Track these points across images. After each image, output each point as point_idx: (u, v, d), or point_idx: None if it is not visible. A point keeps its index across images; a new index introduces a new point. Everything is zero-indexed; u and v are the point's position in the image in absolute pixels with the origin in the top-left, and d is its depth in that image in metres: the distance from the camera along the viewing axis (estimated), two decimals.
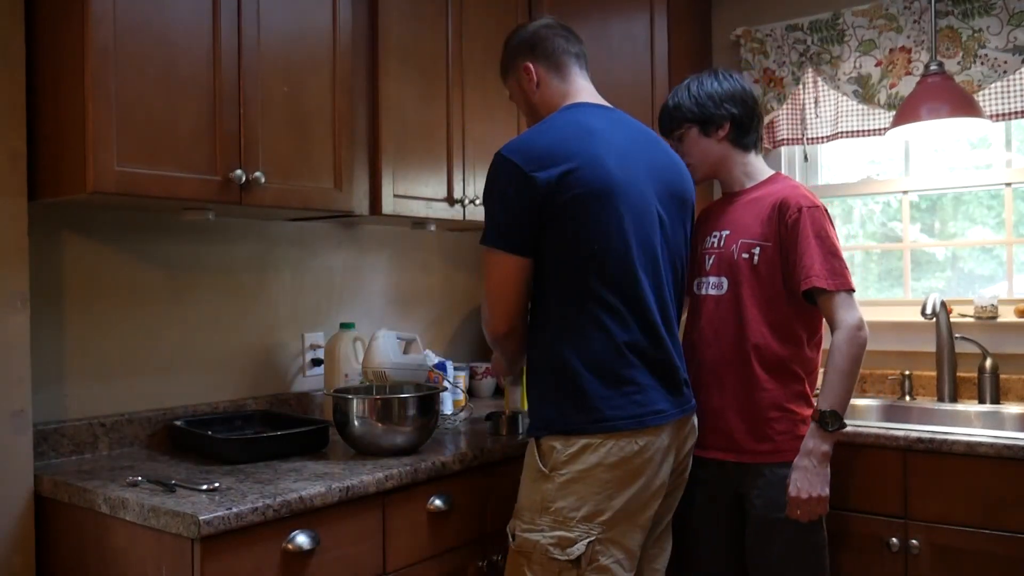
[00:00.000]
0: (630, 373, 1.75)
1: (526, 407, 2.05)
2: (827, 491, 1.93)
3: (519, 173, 1.72)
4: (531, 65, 1.93)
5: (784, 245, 2.00)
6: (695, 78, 2.17)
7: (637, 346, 1.76)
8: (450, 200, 2.45)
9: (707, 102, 2.12)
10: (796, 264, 1.98)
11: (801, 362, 2.02)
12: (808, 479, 1.92)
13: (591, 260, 1.73)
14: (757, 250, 2.02)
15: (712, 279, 2.08)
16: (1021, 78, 2.59)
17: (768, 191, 2.09)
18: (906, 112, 2.54)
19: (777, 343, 2.00)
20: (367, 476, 1.76)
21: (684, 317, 2.14)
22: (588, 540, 1.70)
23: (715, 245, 2.11)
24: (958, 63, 2.65)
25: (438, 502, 1.91)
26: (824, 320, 2.03)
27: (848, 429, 2.27)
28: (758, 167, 2.17)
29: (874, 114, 2.84)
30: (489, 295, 1.81)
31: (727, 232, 2.09)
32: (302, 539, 1.62)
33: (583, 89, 1.94)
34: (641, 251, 1.77)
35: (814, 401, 2.03)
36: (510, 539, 1.79)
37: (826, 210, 2.04)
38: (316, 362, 2.48)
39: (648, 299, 1.78)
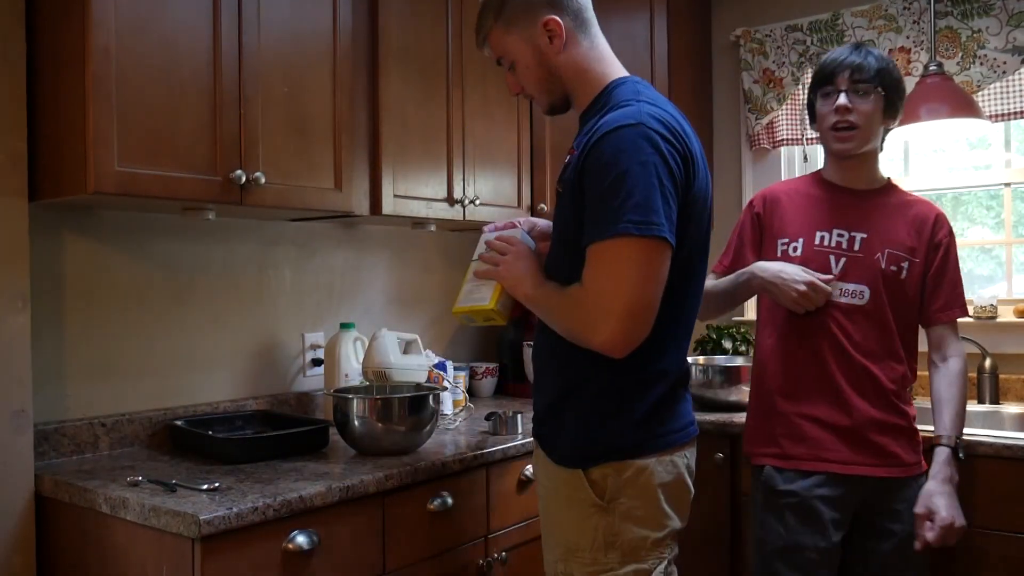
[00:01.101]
0: (670, 384, 1.59)
1: (485, 303, 1.71)
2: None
3: (677, 144, 1.48)
4: (558, 20, 1.59)
5: (928, 265, 1.96)
6: (863, 47, 1.98)
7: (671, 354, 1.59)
8: (450, 200, 2.45)
9: (898, 78, 1.99)
10: (942, 289, 1.96)
11: (908, 380, 1.98)
12: (955, 506, 1.86)
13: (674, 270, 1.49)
14: (906, 264, 1.94)
15: (846, 285, 1.94)
16: (1020, 78, 2.60)
17: (908, 200, 2.01)
18: (905, 112, 2.54)
19: (904, 360, 1.96)
20: (367, 476, 1.76)
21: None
22: (663, 564, 1.55)
23: (843, 246, 1.96)
24: (957, 63, 2.66)
25: (438, 502, 1.91)
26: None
27: None
28: (879, 168, 2.06)
29: None
30: (631, 302, 1.43)
31: (863, 236, 1.96)
32: (302, 539, 1.62)
33: (615, 60, 1.67)
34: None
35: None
36: None
37: None
38: (316, 362, 2.48)
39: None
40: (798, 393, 1.96)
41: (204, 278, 2.24)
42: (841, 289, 1.93)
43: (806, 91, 3.00)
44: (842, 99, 1.93)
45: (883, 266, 1.93)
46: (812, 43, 2.93)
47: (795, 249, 1.99)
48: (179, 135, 1.78)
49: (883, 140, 2.03)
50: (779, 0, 3.05)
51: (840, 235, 1.96)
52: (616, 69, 1.65)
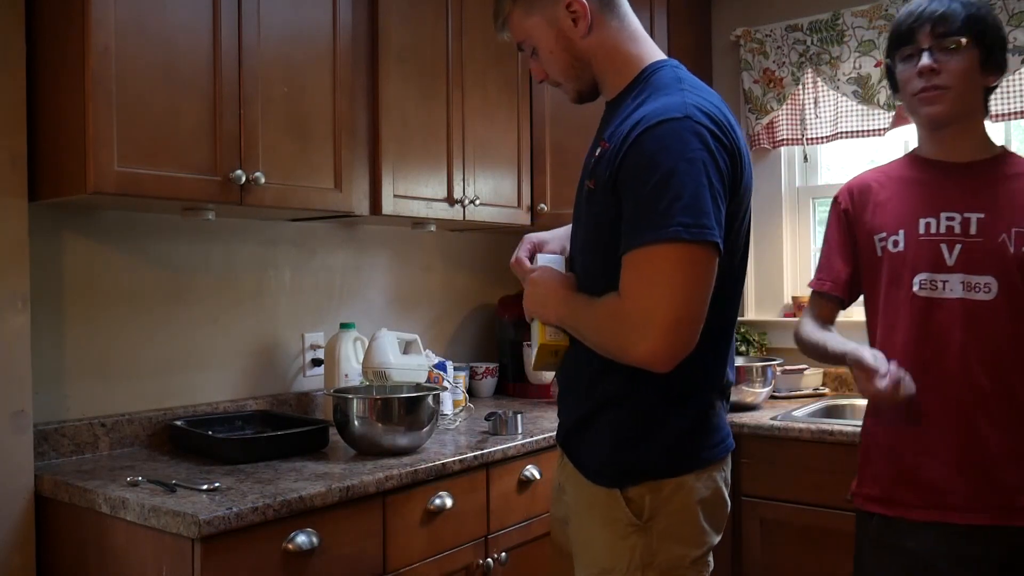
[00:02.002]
0: (710, 396, 1.46)
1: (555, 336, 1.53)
2: None
3: (724, 138, 1.36)
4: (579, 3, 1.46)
5: None
6: None
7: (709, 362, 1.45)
8: (450, 200, 2.45)
9: (994, 24, 1.65)
10: None
11: None
12: None
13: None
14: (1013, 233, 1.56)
15: (968, 278, 1.58)
16: (1021, 78, 2.59)
17: None
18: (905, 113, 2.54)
19: None
20: (367, 476, 1.76)
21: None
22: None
23: (956, 231, 1.61)
24: None
25: (438, 502, 1.91)
26: None
27: (847, 429, 2.28)
28: (988, 134, 1.70)
29: (874, 114, 2.85)
30: (680, 312, 1.30)
31: (980, 216, 1.60)
32: (302, 539, 1.62)
33: (649, 40, 1.52)
34: None
35: None
36: None
37: None
38: (316, 362, 2.48)
39: None
40: (911, 420, 1.60)
41: (204, 278, 2.24)
42: (955, 282, 1.58)
43: (806, 91, 3.03)
44: (925, 59, 1.58)
45: (1012, 249, 1.57)
46: (812, 43, 2.92)
47: (895, 244, 1.65)
48: (179, 135, 1.78)
49: (987, 101, 1.68)
50: (779, 0, 3.05)
51: (950, 219, 1.61)
52: (651, 51, 1.50)
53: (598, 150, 1.45)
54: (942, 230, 1.61)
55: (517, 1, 1.50)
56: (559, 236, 1.65)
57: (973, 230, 1.59)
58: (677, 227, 1.28)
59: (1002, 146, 1.69)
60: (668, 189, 1.29)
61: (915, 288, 1.61)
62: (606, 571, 1.43)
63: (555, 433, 1.59)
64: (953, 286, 1.58)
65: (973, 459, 1.55)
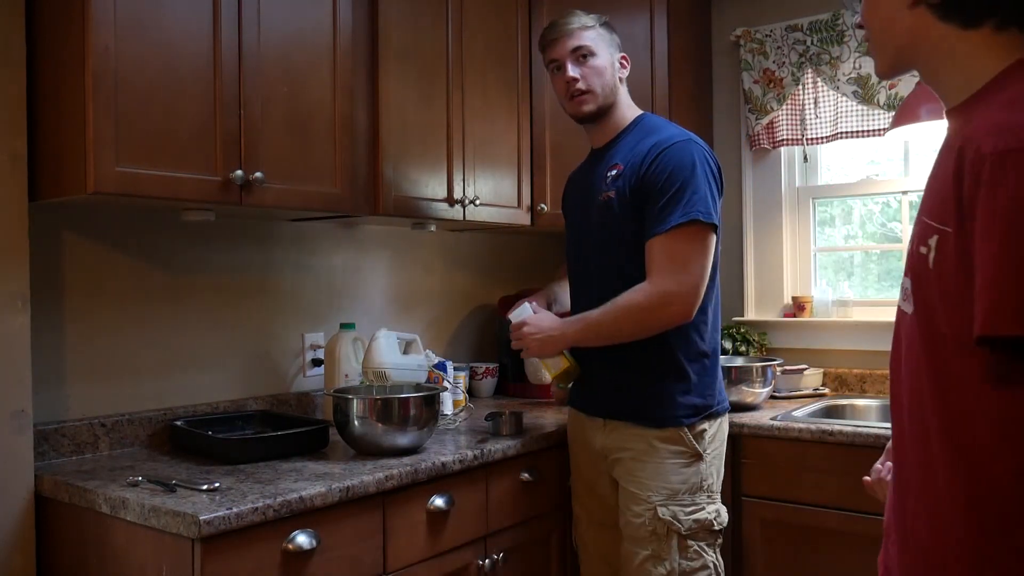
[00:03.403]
0: (718, 356, 2.07)
1: (556, 368, 2.06)
2: None
3: (713, 160, 1.99)
4: (628, 60, 2.12)
5: (967, 234, 1.00)
6: None
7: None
8: (450, 200, 2.45)
9: None
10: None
11: None
12: None
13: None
14: (935, 240, 1.04)
15: (905, 281, 1.15)
16: None
17: (975, 113, 1.07)
18: (905, 113, 2.54)
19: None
20: (367, 476, 1.76)
21: None
22: (721, 505, 2.02)
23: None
24: None
25: (438, 502, 1.91)
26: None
27: (847, 430, 2.28)
28: (982, 59, 1.08)
29: (873, 115, 2.85)
30: (700, 273, 1.89)
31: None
32: (302, 539, 1.62)
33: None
34: None
35: None
36: (675, 525, 1.92)
37: None
38: (316, 362, 2.48)
39: None
40: None
41: (204, 278, 2.24)
42: (904, 288, 1.14)
43: (806, 91, 3.03)
44: None
45: (914, 247, 1.12)
46: (812, 43, 2.93)
47: None
48: (179, 135, 1.78)
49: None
50: (779, 0, 3.05)
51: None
52: (635, 107, 2.15)
53: (613, 171, 2.03)
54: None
55: (602, 25, 2.08)
56: (543, 294, 2.29)
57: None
58: (697, 212, 1.88)
59: (1016, 62, 1.09)
60: (688, 188, 1.89)
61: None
62: (672, 495, 1.94)
63: (595, 409, 2.07)
64: (901, 292, 1.18)
65: (909, 528, 1.14)
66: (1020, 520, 0.98)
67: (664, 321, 1.91)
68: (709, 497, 1.98)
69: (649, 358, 1.97)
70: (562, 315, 2.10)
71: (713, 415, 2.01)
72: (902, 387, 1.14)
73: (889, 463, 1.30)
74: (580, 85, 2.04)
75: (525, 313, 2.07)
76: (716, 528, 1.97)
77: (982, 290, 0.96)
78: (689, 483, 1.95)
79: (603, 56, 2.06)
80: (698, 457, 1.96)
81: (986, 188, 0.96)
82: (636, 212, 1.96)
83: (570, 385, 2.14)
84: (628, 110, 2.12)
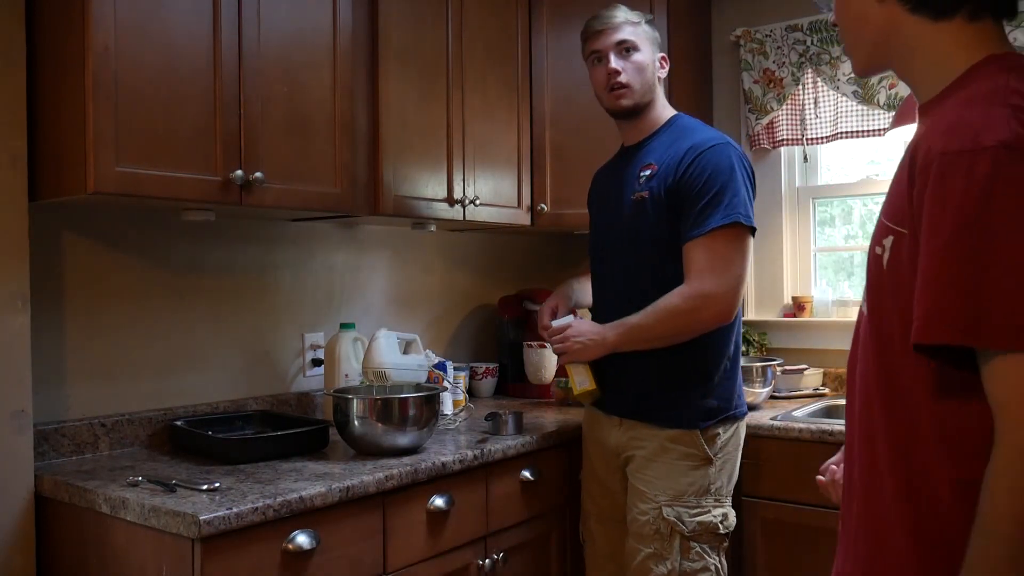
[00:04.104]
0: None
1: (587, 385, 2.05)
2: None
3: (749, 163, 2.01)
4: (667, 61, 2.14)
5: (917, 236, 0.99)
6: None
7: None
8: (450, 200, 2.45)
9: None
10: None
11: None
12: None
13: None
14: (889, 241, 1.04)
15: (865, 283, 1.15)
16: None
17: (937, 110, 1.05)
18: (905, 113, 2.54)
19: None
20: (367, 476, 1.76)
21: None
22: (730, 508, 2.01)
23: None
24: None
25: (438, 502, 1.91)
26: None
27: (838, 428, 2.29)
28: (954, 53, 1.05)
29: (873, 114, 2.85)
30: (739, 276, 1.91)
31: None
32: (302, 539, 1.62)
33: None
34: None
35: None
36: (679, 526, 1.93)
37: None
38: (316, 362, 2.48)
39: None
40: None
41: (204, 278, 2.24)
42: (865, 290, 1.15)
43: (806, 91, 3.03)
44: None
45: (871, 249, 1.11)
46: (812, 43, 2.92)
47: None
48: (179, 135, 1.78)
49: None
50: (779, 0, 3.05)
51: None
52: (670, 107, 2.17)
53: (647, 171, 2.02)
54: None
55: (649, 23, 2.12)
56: (562, 294, 2.24)
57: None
58: (738, 215, 1.89)
59: (986, 56, 1.05)
60: (728, 190, 1.90)
61: None
62: (678, 496, 1.94)
63: (613, 408, 2.06)
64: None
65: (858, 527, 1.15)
66: (960, 533, 0.94)
67: (703, 324, 1.92)
68: (716, 501, 1.97)
69: (672, 359, 1.97)
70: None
71: (729, 419, 2.00)
72: (855, 388, 1.12)
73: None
74: (622, 78, 2.04)
75: (569, 319, 2.09)
76: (721, 532, 1.97)
77: (920, 295, 0.93)
78: (696, 485, 1.95)
79: (646, 53, 2.07)
80: (708, 461, 1.96)
81: (931, 190, 0.93)
82: (670, 213, 1.96)
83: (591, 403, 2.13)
84: (663, 110, 2.12)
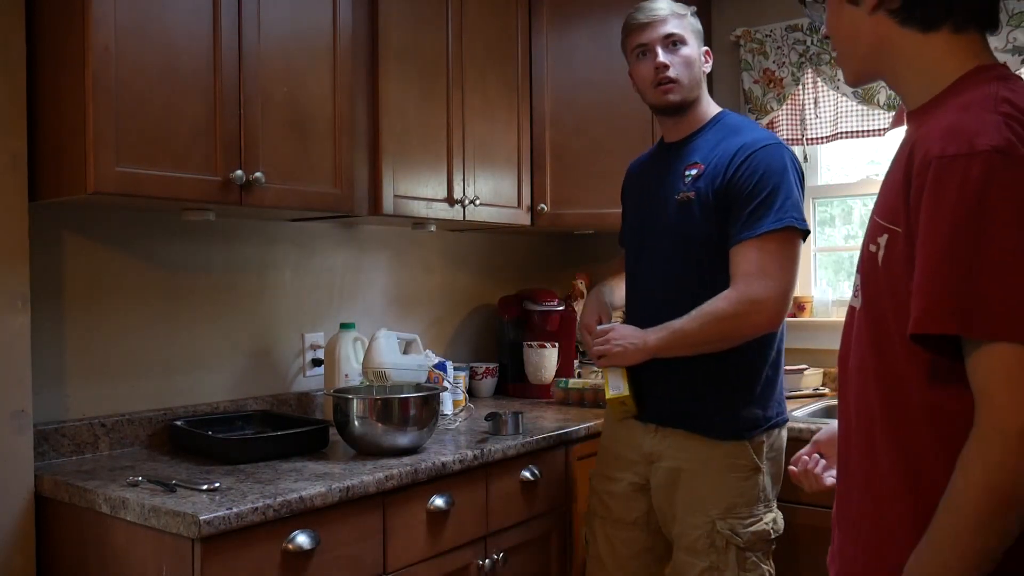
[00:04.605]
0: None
1: (621, 391, 1.96)
2: None
3: (799, 164, 1.95)
4: (710, 55, 2.07)
5: (914, 235, 1.03)
6: None
7: None
8: (450, 200, 2.45)
9: None
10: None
11: None
12: None
13: None
14: (884, 239, 1.08)
15: (857, 277, 1.18)
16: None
17: (930, 116, 1.09)
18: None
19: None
20: (367, 476, 1.76)
21: None
22: (778, 511, 1.97)
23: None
24: None
25: (438, 502, 1.91)
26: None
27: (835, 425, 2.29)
28: (942, 63, 1.10)
29: (874, 114, 2.85)
30: (790, 281, 1.85)
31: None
32: (302, 539, 1.62)
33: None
34: None
35: None
36: (734, 539, 1.86)
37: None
38: (316, 362, 2.48)
39: None
40: None
41: (204, 278, 2.24)
42: (856, 286, 1.19)
43: (806, 91, 3.03)
44: None
45: (865, 246, 1.16)
46: (812, 43, 2.92)
47: None
48: (179, 135, 1.78)
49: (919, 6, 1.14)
50: (779, 0, 3.05)
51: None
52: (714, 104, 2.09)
53: (693, 171, 1.95)
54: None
55: (695, 16, 2.03)
56: (599, 302, 2.15)
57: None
58: (791, 219, 1.83)
59: (977, 66, 1.10)
60: (780, 193, 1.84)
61: None
62: (730, 508, 1.87)
63: (649, 414, 1.98)
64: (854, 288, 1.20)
65: (850, 515, 1.19)
66: None
67: (751, 330, 1.85)
68: (766, 506, 1.93)
69: (713, 366, 1.89)
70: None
71: (773, 427, 1.95)
72: (849, 382, 1.18)
73: (816, 455, 1.41)
74: (671, 73, 1.95)
75: (612, 324, 2.03)
76: (772, 536, 1.92)
77: (918, 289, 1.00)
78: (747, 496, 1.90)
79: (693, 47, 1.99)
80: (757, 470, 1.91)
81: (930, 190, 1.00)
82: (718, 215, 1.88)
83: (626, 417, 2.03)
84: (708, 106, 2.04)
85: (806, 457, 1.42)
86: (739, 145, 1.90)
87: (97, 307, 2.02)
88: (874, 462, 1.12)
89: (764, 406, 1.92)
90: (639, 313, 2.03)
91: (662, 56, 1.96)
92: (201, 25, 1.82)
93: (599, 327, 2.02)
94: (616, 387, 1.97)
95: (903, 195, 1.04)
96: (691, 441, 1.92)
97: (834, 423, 1.35)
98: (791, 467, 1.45)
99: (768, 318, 1.83)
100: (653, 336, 1.90)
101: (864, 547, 1.14)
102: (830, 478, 1.37)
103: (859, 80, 1.23)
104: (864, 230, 1.17)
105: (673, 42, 1.97)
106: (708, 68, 2.04)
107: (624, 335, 1.95)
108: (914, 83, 1.14)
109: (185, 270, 2.19)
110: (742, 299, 1.81)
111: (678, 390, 1.94)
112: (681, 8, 2.02)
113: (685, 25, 1.99)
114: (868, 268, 1.12)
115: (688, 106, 2.00)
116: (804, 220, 1.86)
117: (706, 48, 2.04)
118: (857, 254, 1.20)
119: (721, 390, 1.91)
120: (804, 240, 1.88)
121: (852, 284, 1.23)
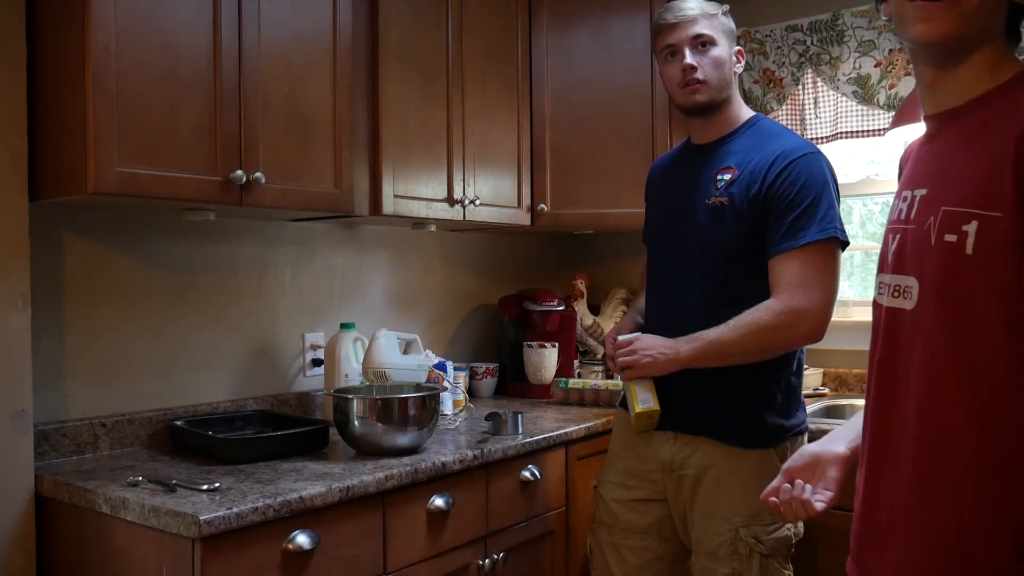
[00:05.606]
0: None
1: (651, 404, 1.89)
2: None
3: (835, 174, 1.89)
4: (743, 55, 2.02)
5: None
6: None
7: None
8: (450, 200, 2.45)
9: None
10: None
11: None
12: None
13: None
14: (973, 226, 1.01)
15: (895, 279, 1.14)
16: None
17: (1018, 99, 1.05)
18: (905, 113, 2.54)
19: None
20: (367, 476, 1.76)
21: None
22: None
23: (900, 216, 1.17)
24: None
25: (438, 502, 1.91)
26: None
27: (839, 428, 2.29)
28: (1006, 53, 1.10)
29: (873, 115, 2.85)
30: (832, 292, 1.81)
31: (923, 192, 1.13)
32: (302, 539, 1.62)
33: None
34: None
35: None
36: (758, 546, 1.83)
37: None
38: (316, 362, 2.48)
39: None
40: None
41: (204, 278, 2.24)
42: (894, 286, 1.16)
43: (806, 91, 3.03)
44: None
45: (932, 239, 1.08)
46: (812, 43, 2.93)
47: None
48: (179, 135, 1.78)
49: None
50: (779, 0, 3.05)
51: (904, 198, 1.19)
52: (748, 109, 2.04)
53: (726, 175, 1.90)
54: (895, 215, 1.20)
55: (727, 15, 1.98)
56: (631, 320, 2.11)
57: (909, 214, 1.15)
58: (833, 229, 1.80)
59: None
60: (822, 203, 1.80)
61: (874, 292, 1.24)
62: (754, 515, 1.82)
63: (669, 422, 1.91)
64: (885, 290, 1.17)
65: (862, 510, 1.23)
66: None
67: (793, 341, 1.83)
68: None
69: (741, 375, 1.85)
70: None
71: (797, 434, 1.92)
72: (905, 385, 1.11)
73: (799, 481, 1.32)
74: (698, 74, 1.91)
75: (636, 334, 1.95)
76: (794, 541, 1.90)
77: None
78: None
79: (723, 47, 1.94)
80: None
81: None
82: (752, 222, 1.84)
83: (646, 430, 1.95)
84: (740, 108, 1.99)
85: (787, 485, 1.33)
86: (777, 152, 1.85)
87: (97, 307, 2.03)
88: (950, 467, 1.05)
89: (788, 414, 1.90)
90: (662, 320, 1.97)
91: (689, 57, 1.92)
92: (201, 25, 1.82)
93: (620, 337, 1.95)
94: (645, 400, 1.88)
95: (1013, 177, 0.97)
96: (716, 449, 1.88)
97: (806, 447, 1.36)
98: (770, 499, 1.35)
99: (812, 328, 1.79)
100: (686, 347, 1.84)
101: (944, 553, 1.07)
102: (819, 503, 1.29)
103: (948, 41, 1.08)
104: (863, 230, 1.16)
105: (702, 43, 1.93)
106: (740, 68, 1.99)
107: (652, 345, 1.89)
108: (985, 64, 1.08)
109: (185, 270, 2.19)
110: (786, 310, 1.77)
111: (703, 398, 1.89)
112: (712, 7, 1.96)
113: (715, 25, 1.94)
114: (946, 259, 1.04)
115: (717, 107, 1.96)
116: (845, 231, 1.83)
117: (738, 48, 1.99)
118: (857, 254, 1.19)
119: (748, 399, 1.87)
120: (843, 251, 1.85)
121: (877, 285, 1.19)
